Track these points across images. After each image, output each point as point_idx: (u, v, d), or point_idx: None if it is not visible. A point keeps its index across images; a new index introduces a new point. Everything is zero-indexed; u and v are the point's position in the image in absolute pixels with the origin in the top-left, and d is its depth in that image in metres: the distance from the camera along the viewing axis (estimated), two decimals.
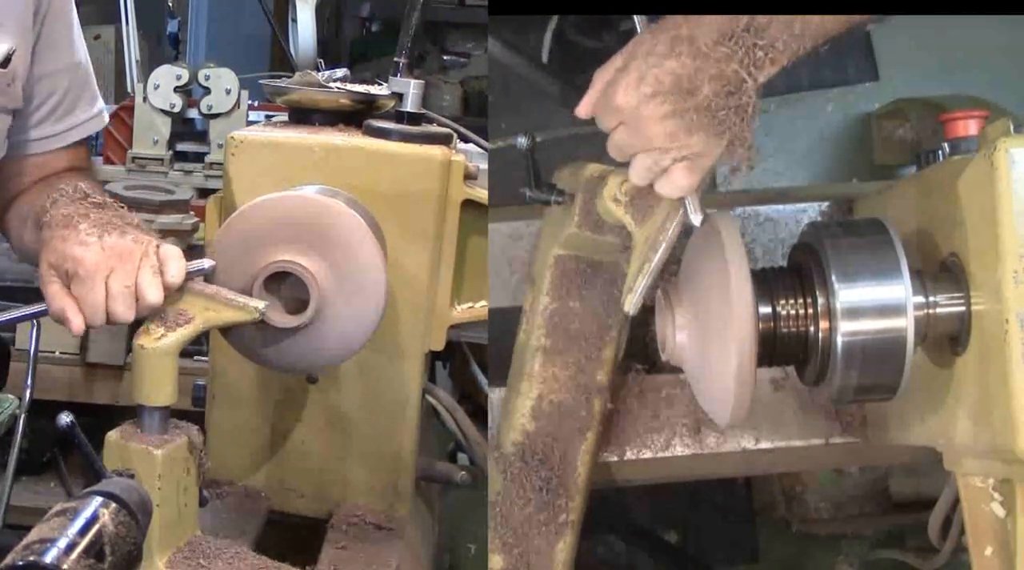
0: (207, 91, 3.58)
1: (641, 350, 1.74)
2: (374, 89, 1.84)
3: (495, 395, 1.74)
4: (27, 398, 2.75)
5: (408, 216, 1.68)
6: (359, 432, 1.78)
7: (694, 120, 1.31)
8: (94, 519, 1.20)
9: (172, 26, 4.32)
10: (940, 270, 1.44)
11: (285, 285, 1.49)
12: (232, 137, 1.71)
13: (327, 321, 1.49)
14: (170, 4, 4.33)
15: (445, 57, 5.39)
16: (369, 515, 1.76)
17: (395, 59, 1.75)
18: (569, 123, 2.09)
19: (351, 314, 1.50)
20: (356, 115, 1.81)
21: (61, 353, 3.08)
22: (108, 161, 3.64)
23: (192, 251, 3.07)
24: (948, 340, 1.43)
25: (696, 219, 1.41)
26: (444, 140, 1.73)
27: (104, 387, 3.10)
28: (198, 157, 3.62)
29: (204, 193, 3.43)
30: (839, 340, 1.39)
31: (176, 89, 3.55)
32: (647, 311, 1.54)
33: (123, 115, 3.63)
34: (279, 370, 1.62)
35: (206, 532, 1.52)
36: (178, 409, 1.49)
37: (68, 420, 1.32)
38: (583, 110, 1.43)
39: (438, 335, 1.75)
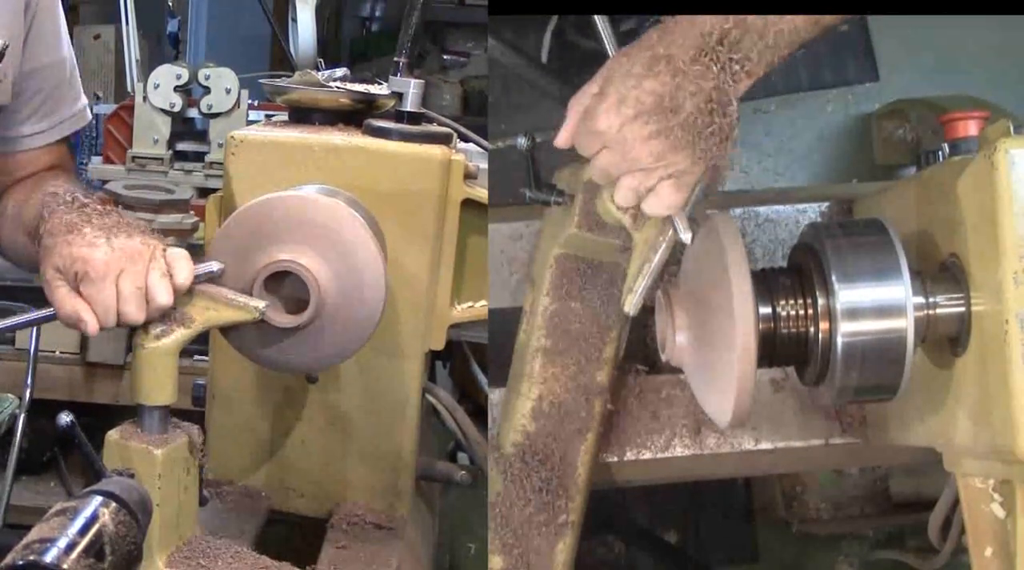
0: (207, 91, 3.58)
1: (641, 350, 1.74)
2: (374, 89, 1.84)
3: (495, 395, 1.74)
4: (27, 398, 2.76)
5: (408, 216, 1.68)
6: (359, 432, 1.78)
7: (679, 138, 1.32)
8: (94, 519, 1.20)
9: (172, 26, 4.31)
10: (940, 270, 1.44)
11: (285, 285, 1.49)
12: (232, 137, 1.71)
13: (327, 321, 1.49)
14: (170, 4, 4.33)
15: (445, 57, 5.39)
16: (369, 515, 1.76)
17: (395, 59, 1.75)
18: None
19: (351, 314, 1.49)
20: (356, 115, 1.81)
21: (61, 353, 3.08)
22: (108, 161, 3.65)
23: (192, 251, 3.08)
24: (948, 341, 1.43)
25: (685, 237, 1.41)
26: (444, 140, 1.73)
27: (104, 387, 3.10)
28: (198, 157, 3.62)
29: (204, 193, 3.43)
30: (839, 341, 1.39)
31: (176, 89, 3.56)
32: (647, 311, 1.54)
33: (123, 115, 3.63)
34: (279, 370, 1.62)
35: (206, 532, 1.52)
36: (178, 409, 1.49)
37: (68, 420, 1.32)
38: (562, 141, 1.43)
39: (438, 335, 1.75)
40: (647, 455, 1.75)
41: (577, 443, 1.63)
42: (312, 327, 1.48)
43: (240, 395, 1.78)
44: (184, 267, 1.43)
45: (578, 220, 1.59)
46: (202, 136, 3.67)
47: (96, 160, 3.71)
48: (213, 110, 3.58)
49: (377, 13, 5.79)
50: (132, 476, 1.37)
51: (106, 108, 3.80)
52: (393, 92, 1.76)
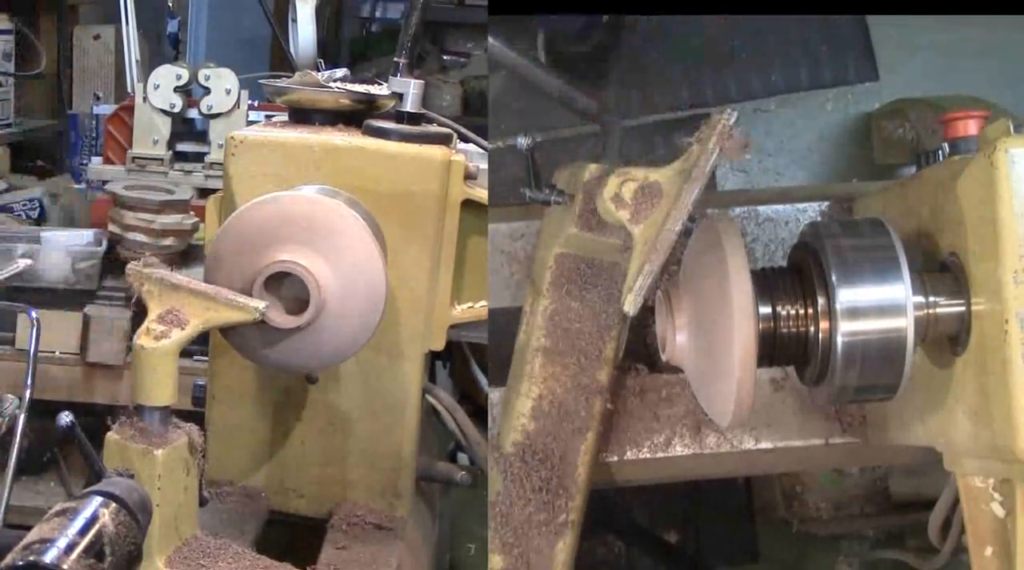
0: (207, 91, 3.57)
1: (641, 350, 1.74)
2: (374, 89, 1.84)
3: (495, 395, 1.74)
4: (27, 398, 2.75)
5: (408, 216, 1.68)
6: (359, 432, 1.78)
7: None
8: (94, 519, 1.20)
9: (172, 26, 4.31)
10: (940, 270, 1.44)
11: (285, 285, 1.49)
12: (232, 137, 1.71)
13: (327, 321, 1.49)
14: (170, 4, 4.32)
15: (445, 57, 5.39)
16: (369, 515, 1.76)
17: (395, 59, 1.75)
18: (569, 123, 2.09)
19: (351, 314, 1.49)
20: (356, 115, 1.81)
21: (61, 353, 3.07)
22: (108, 161, 3.64)
23: (192, 251, 3.08)
24: (948, 340, 1.43)
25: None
26: (444, 140, 1.73)
27: (104, 387, 3.09)
28: (198, 157, 3.62)
29: (204, 193, 3.43)
30: (839, 340, 1.39)
31: (176, 89, 3.55)
32: (647, 311, 1.54)
33: (123, 115, 3.63)
34: (279, 370, 1.62)
35: (206, 532, 1.52)
36: (178, 409, 1.49)
37: (68, 420, 1.32)
38: None
39: (438, 335, 1.75)
40: (647, 455, 1.75)
41: (577, 443, 1.63)
42: (312, 328, 1.48)
43: (240, 395, 1.78)
44: None
45: (578, 220, 1.59)
46: (202, 137, 3.66)
47: (96, 160, 3.71)
48: (213, 111, 3.57)
49: (377, 13, 5.79)
50: (132, 476, 1.37)
51: (106, 109, 3.80)
52: (393, 92, 1.76)
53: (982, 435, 1.36)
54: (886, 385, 1.42)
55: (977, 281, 1.37)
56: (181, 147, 3.64)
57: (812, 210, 1.79)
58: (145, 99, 3.56)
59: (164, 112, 3.56)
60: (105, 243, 2.96)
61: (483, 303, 1.77)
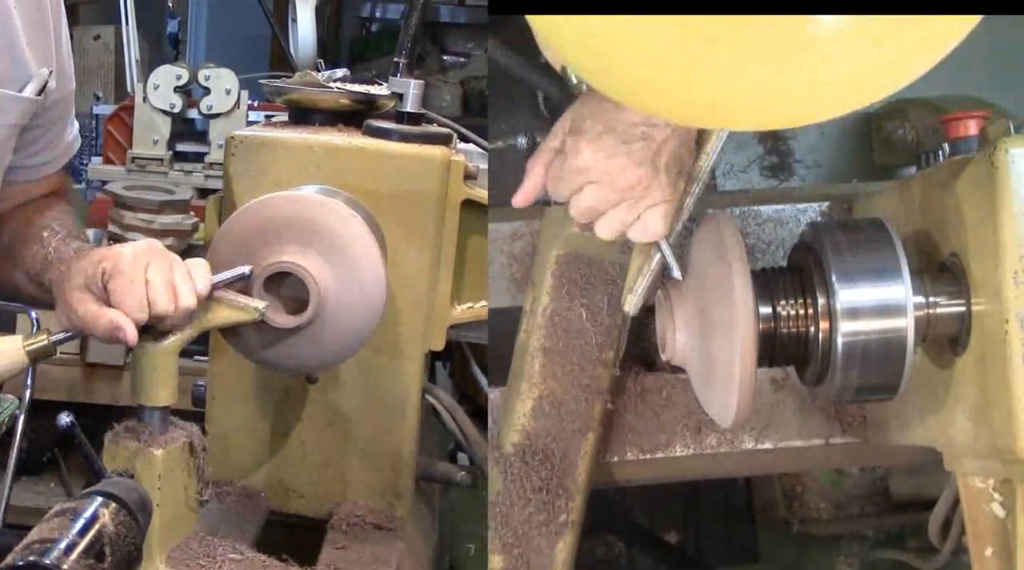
0: (207, 91, 3.58)
1: (641, 350, 1.74)
2: (374, 89, 1.84)
3: (495, 395, 1.74)
4: (27, 398, 2.75)
5: (408, 216, 1.68)
6: (359, 432, 1.77)
7: (663, 164, 1.32)
8: (94, 519, 1.20)
9: (172, 26, 4.31)
10: (940, 270, 1.44)
11: (285, 285, 1.49)
12: (232, 137, 1.71)
13: (327, 321, 1.49)
14: (170, 4, 4.33)
15: (445, 57, 5.39)
16: (369, 515, 1.76)
17: (395, 59, 1.75)
18: None
19: (351, 314, 1.49)
20: (356, 115, 1.81)
21: (61, 353, 3.07)
22: (108, 161, 3.64)
23: (192, 251, 3.08)
24: (948, 340, 1.43)
25: (676, 272, 1.41)
26: (444, 140, 1.73)
27: (104, 387, 3.10)
28: (198, 157, 3.62)
29: (204, 193, 3.43)
30: (839, 340, 1.39)
31: (176, 89, 3.55)
32: (647, 311, 1.54)
33: (123, 115, 3.63)
34: (279, 370, 1.62)
35: (206, 532, 1.52)
36: (178, 409, 1.49)
37: (68, 420, 1.32)
38: (521, 199, 1.42)
39: (438, 335, 1.75)
40: (647, 455, 1.75)
41: (577, 443, 1.63)
42: (312, 328, 1.48)
43: (240, 395, 1.78)
44: (203, 275, 1.41)
45: None
46: (202, 137, 3.66)
47: (96, 161, 3.71)
48: (213, 111, 3.57)
49: (377, 13, 5.79)
50: (132, 476, 1.37)
51: (106, 109, 3.80)
52: (393, 93, 1.76)
53: (982, 435, 1.36)
54: (886, 385, 1.43)
55: (977, 281, 1.37)
56: (181, 147, 3.64)
57: (812, 210, 1.80)
58: (145, 99, 3.56)
59: (164, 112, 3.56)
60: (105, 243, 2.96)
61: (483, 303, 1.77)
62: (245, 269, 1.47)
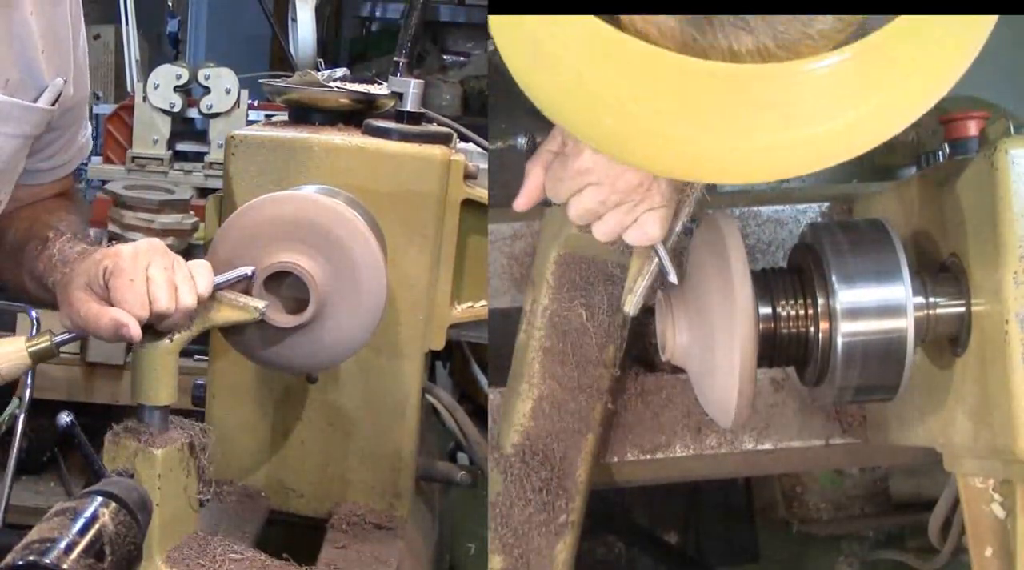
0: (207, 91, 3.58)
1: (641, 350, 1.74)
2: (374, 89, 1.84)
3: (495, 395, 1.74)
4: (27, 398, 2.75)
5: (408, 216, 1.68)
6: (359, 432, 1.77)
7: None
8: (94, 519, 1.20)
9: (172, 26, 4.31)
10: (940, 270, 1.44)
11: (285, 285, 1.49)
12: (232, 136, 1.71)
13: (327, 321, 1.49)
14: (170, 4, 4.33)
15: (445, 57, 5.39)
16: (369, 515, 1.76)
17: (395, 59, 1.75)
18: None
19: (351, 314, 1.49)
20: (356, 115, 1.81)
21: (61, 353, 3.07)
22: (108, 161, 3.64)
23: (192, 251, 3.08)
24: (948, 341, 1.43)
25: (673, 277, 1.41)
26: (444, 140, 1.73)
27: (104, 387, 3.09)
28: (198, 157, 3.62)
29: (204, 193, 3.43)
30: (839, 341, 1.39)
31: (176, 89, 3.55)
32: (647, 311, 1.54)
33: (123, 115, 3.63)
34: (279, 370, 1.62)
35: (206, 532, 1.52)
36: (178, 408, 1.49)
37: (68, 420, 1.32)
38: (524, 202, 1.42)
39: (438, 335, 1.75)
40: (647, 455, 1.75)
41: (577, 443, 1.63)
42: (312, 327, 1.48)
43: (240, 395, 1.78)
44: (205, 275, 1.41)
45: None
46: (202, 136, 3.66)
47: (96, 160, 3.70)
48: (213, 110, 3.57)
49: (377, 13, 5.78)
50: (132, 476, 1.37)
51: (106, 108, 3.79)
52: (393, 92, 1.76)
53: (982, 435, 1.36)
54: (886, 386, 1.43)
55: (977, 282, 1.37)
56: (181, 147, 3.64)
57: (812, 211, 1.80)
58: (145, 99, 3.56)
59: (164, 112, 3.56)
60: (105, 242, 2.95)
61: (483, 303, 1.77)
62: (247, 270, 1.46)
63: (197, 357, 1.99)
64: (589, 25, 0.99)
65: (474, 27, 5.22)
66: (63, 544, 1.14)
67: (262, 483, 1.80)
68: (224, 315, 1.46)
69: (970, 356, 1.39)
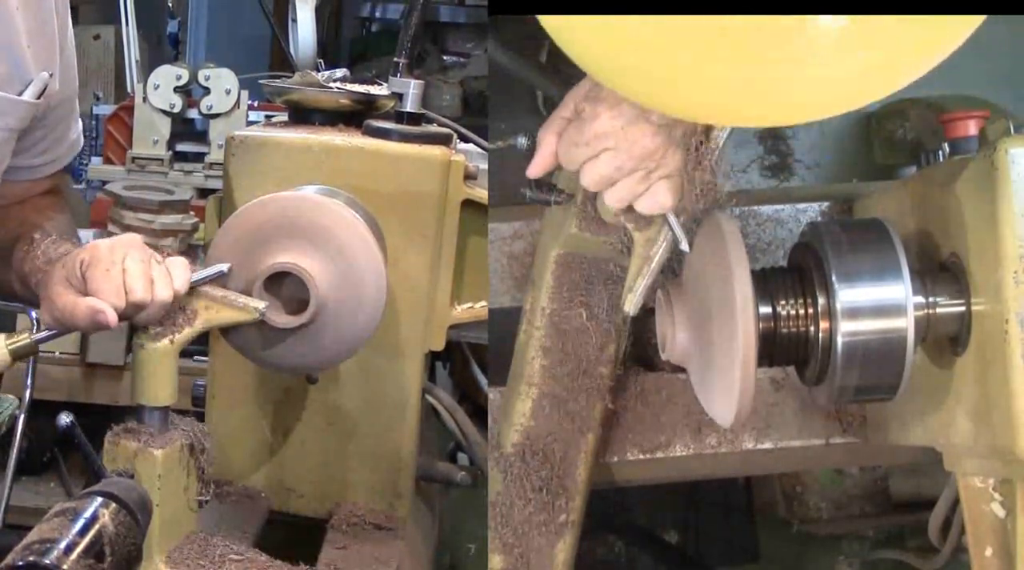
0: (207, 91, 3.58)
1: (641, 350, 1.74)
2: (374, 89, 1.84)
3: (495, 395, 1.74)
4: (27, 398, 2.75)
5: (408, 216, 1.68)
6: (359, 432, 1.77)
7: (678, 135, 1.33)
8: (94, 519, 1.20)
9: (172, 26, 4.32)
10: (940, 270, 1.44)
11: (285, 285, 1.49)
12: (232, 137, 1.71)
13: (327, 321, 1.49)
14: (170, 4, 4.33)
15: (445, 57, 5.38)
16: (369, 515, 1.76)
17: (395, 59, 1.75)
18: None
19: (351, 314, 1.49)
20: (356, 115, 1.81)
21: (61, 353, 3.08)
22: (108, 161, 3.65)
23: (192, 251, 3.08)
24: (948, 340, 1.43)
25: (684, 245, 1.42)
26: (444, 140, 1.73)
27: (104, 387, 3.10)
28: (198, 157, 3.62)
29: (204, 193, 3.43)
30: (839, 340, 1.39)
31: (176, 89, 3.56)
32: (647, 311, 1.54)
33: (123, 115, 3.63)
34: (279, 370, 1.62)
35: (206, 532, 1.52)
36: (178, 409, 1.49)
37: (68, 420, 1.32)
38: (538, 168, 1.43)
39: (438, 335, 1.75)
40: (647, 455, 1.75)
41: (577, 443, 1.63)
42: (312, 328, 1.48)
43: (240, 395, 1.78)
44: (181, 273, 1.42)
45: (578, 220, 1.59)
46: (202, 137, 3.67)
47: (96, 161, 3.71)
48: (213, 111, 3.58)
49: (377, 13, 5.78)
50: (132, 476, 1.37)
51: (106, 109, 3.80)
52: (393, 93, 1.76)
53: (982, 435, 1.36)
54: (886, 385, 1.43)
55: (977, 281, 1.37)
56: (181, 147, 3.65)
57: (812, 210, 1.80)
58: (145, 99, 3.57)
59: (164, 112, 3.56)
60: None
61: (483, 303, 1.77)
62: (223, 267, 1.47)
63: (197, 357, 1.99)
64: None
65: (474, 27, 5.21)
66: (63, 544, 1.14)
67: (262, 483, 1.80)
68: (224, 315, 1.46)
69: (970, 356, 1.39)
